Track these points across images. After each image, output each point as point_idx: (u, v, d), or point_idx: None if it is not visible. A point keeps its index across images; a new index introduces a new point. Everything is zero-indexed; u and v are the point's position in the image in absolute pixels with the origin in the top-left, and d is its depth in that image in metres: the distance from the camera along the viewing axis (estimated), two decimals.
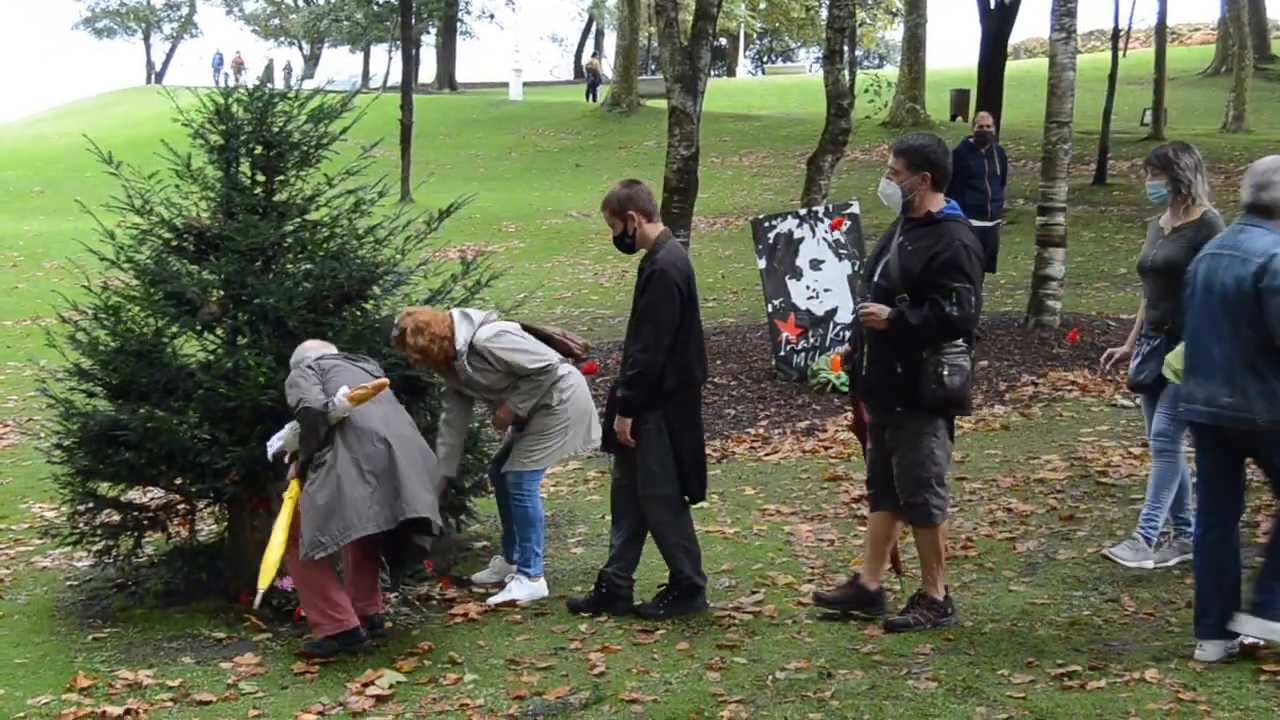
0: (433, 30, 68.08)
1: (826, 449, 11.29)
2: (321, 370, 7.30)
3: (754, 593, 7.83)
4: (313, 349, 7.58)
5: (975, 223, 14.39)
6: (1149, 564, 7.80)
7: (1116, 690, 6.00)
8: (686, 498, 7.59)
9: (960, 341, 6.80)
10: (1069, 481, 9.68)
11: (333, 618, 7.16)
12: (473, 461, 8.75)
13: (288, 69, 71.43)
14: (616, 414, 7.43)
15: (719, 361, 14.63)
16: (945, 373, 6.73)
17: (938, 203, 6.97)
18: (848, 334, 13.36)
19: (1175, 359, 7.17)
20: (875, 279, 7.05)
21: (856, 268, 13.58)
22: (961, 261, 6.72)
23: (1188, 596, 7.22)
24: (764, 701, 6.13)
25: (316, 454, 7.14)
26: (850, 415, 7.56)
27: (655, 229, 7.57)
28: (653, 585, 7.74)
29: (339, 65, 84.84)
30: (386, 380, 7.40)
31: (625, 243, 7.62)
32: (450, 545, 9.00)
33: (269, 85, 8.78)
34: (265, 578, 7.13)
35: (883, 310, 6.82)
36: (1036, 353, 14.03)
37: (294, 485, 7.25)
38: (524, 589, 7.98)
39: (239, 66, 68.99)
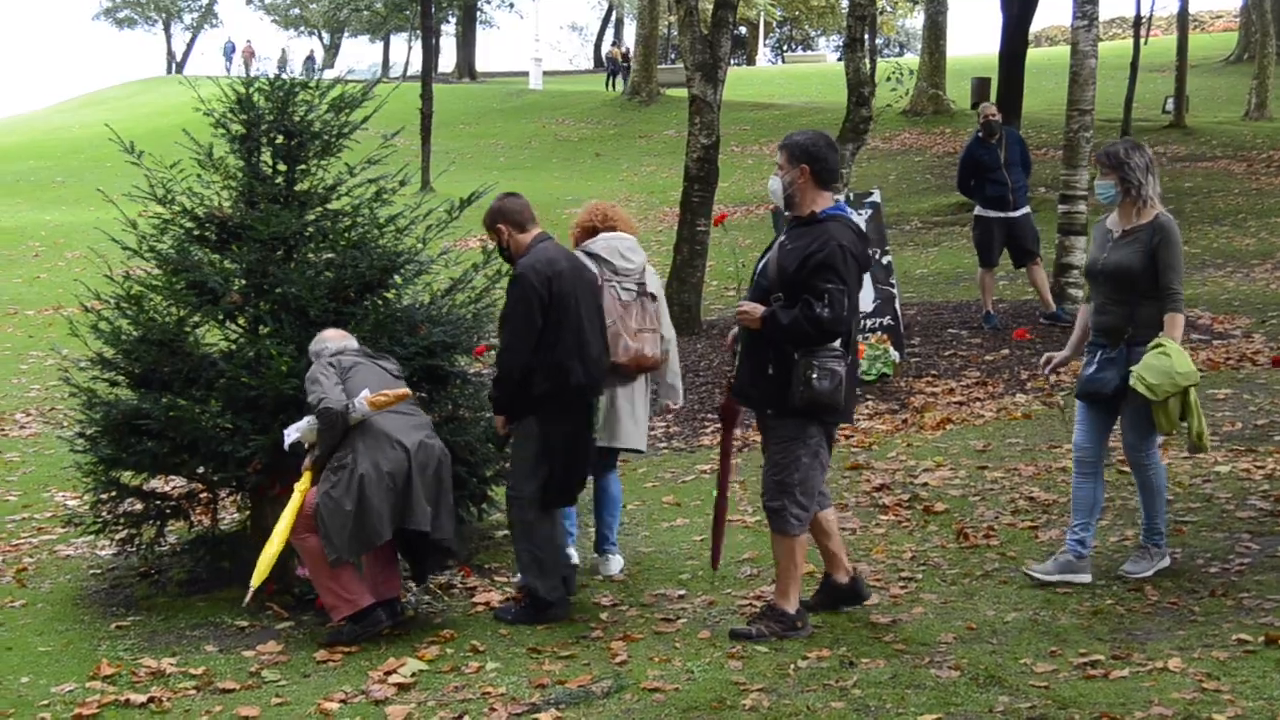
0: (453, 19, 68.12)
1: (847, 438, 11.27)
2: (342, 368, 7.32)
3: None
4: (332, 340, 7.59)
5: (999, 214, 14.49)
6: (1165, 562, 7.56)
7: (1139, 679, 5.98)
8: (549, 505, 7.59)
9: (836, 346, 6.64)
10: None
11: (346, 599, 7.20)
12: (493, 451, 8.74)
13: (310, 59, 71.48)
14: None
15: None
16: (814, 376, 6.55)
17: (823, 201, 6.86)
18: (869, 323, 13.36)
19: (1148, 373, 7.04)
20: (756, 277, 6.95)
21: (878, 256, 13.55)
22: (835, 262, 6.57)
23: (1212, 586, 7.22)
24: (786, 690, 6.12)
25: (335, 454, 7.18)
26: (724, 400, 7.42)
27: (527, 237, 7.61)
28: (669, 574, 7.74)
29: (359, 54, 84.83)
30: (408, 391, 7.43)
31: (504, 253, 7.69)
32: (472, 534, 9.01)
33: (290, 73, 8.81)
34: (260, 573, 7.20)
35: (756, 309, 6.72)
36: (1058, 341, 13.96)
37: (306, 477, 7.33)
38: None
39: (250, 56, 68.88)
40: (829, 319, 6.51)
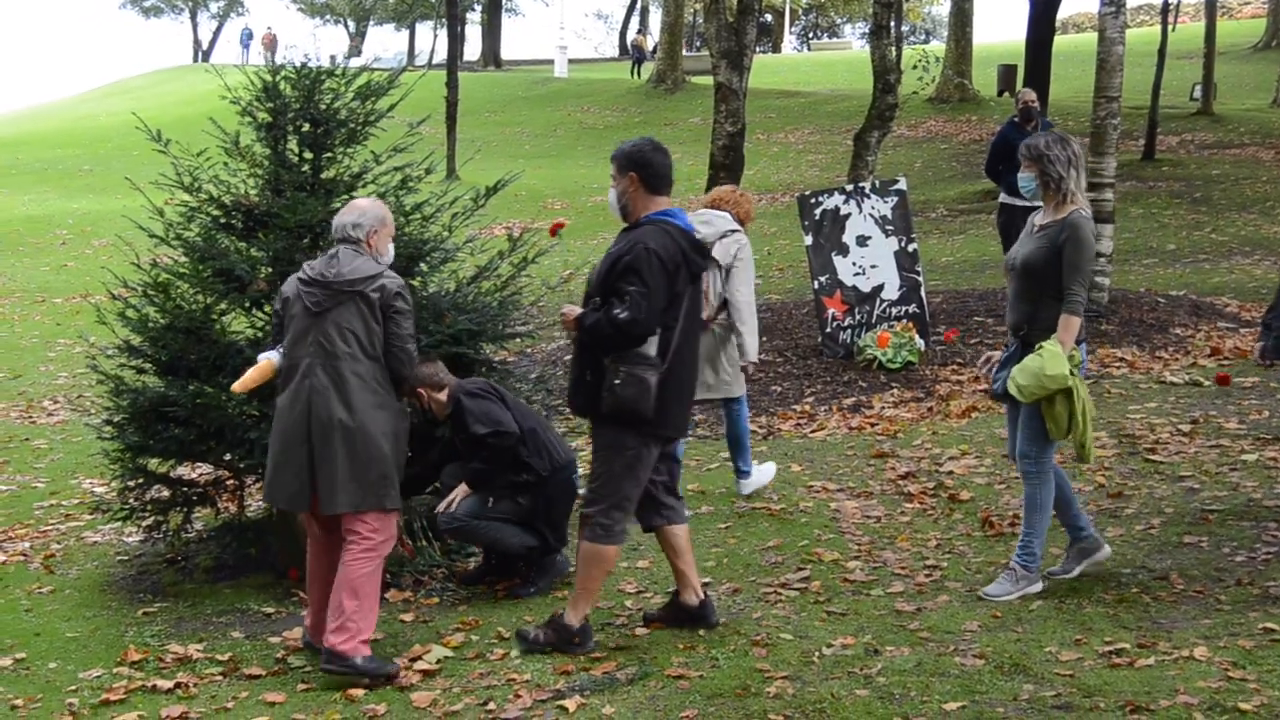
0: (478, 7, 68.13)
1: (873, 426, 11.26)
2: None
3: (800, 569, 7.83)
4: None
5: (1023, 203, 14.42)
6: (1036, 587, 7.26)
7: (1165, 668, 5.97)
8: None
9: (650, 354, 6.48)
10: (1117, 458, 9.63)
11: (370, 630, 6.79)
12: None
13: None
14: None
15: (764, 338, 14.60)
16: (618, 382, 6.41)
17: (653, 205, 6.76)
18: (894, 310, 13.34)
19: (1020, 374, 6.92)
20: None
21: (904, 244, 13.52)
22: (640, 265, 6.46)
23: (1238, 575, 7.20)
24: (810, 678, 6.13)
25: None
26: None
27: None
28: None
29: (384, 43, 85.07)
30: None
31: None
32: None
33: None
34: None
35: (573, 311, 6.69)
36: (1084, 329, 13.92)
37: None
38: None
39: (271, 43, 68.79)
40: (625, 320, 6.38)
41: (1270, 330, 8.07)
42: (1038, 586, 7.20)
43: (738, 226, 9.32)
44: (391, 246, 7.02)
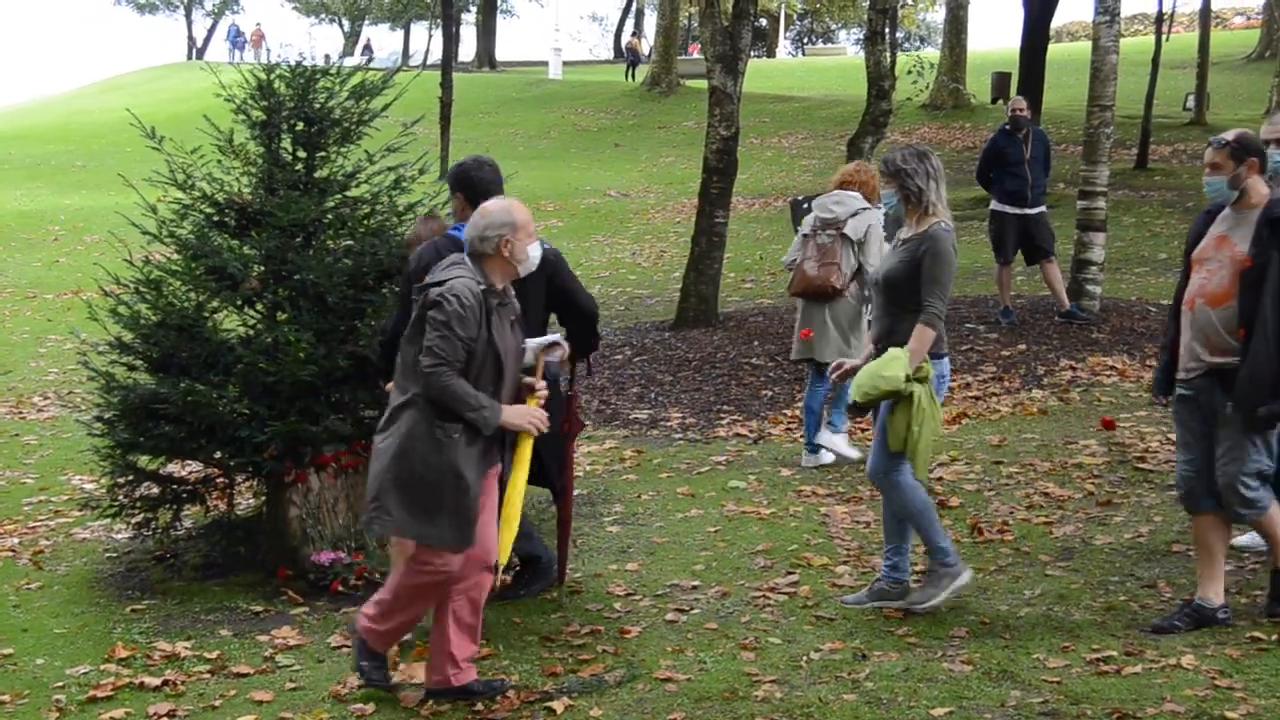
0: (473, 8, 68.09)
1: (863, 430, 11.26)
2: None
3: (789, 573, 7.84)
4: None
5: (1014, 210, 14.46)
6: (965, 578, 7.09)
7: (1152, 675, 5.99)
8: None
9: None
10: (1106, 466, 9.64)
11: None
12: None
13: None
14: None
15: (756, 343, 14.62)
16: None
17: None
18: None
19: (860, 374, 6.94)
20: None
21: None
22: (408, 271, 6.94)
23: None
24: (798, 682, 6.14)
25: None
26: None
27: None
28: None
29: (379, 42, 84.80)
30: None
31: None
32: None
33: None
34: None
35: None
36: (1075, 337, 13.95)
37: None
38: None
39: (259, 40, 68.58)
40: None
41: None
42: (965, 577, 7.11)
43: (868, 205, 10.12)
44: (531, 249, 6.20)
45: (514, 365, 6.12)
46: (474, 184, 7.01)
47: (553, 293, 7.35)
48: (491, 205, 6.17)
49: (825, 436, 10.24)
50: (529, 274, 6.47)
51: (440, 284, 5.89)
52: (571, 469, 7.70)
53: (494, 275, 6.01)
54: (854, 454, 10.15)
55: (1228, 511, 6.56)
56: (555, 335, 6.71)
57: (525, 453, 6.22)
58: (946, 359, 7.28)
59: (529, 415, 6.10)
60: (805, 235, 10.21)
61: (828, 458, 10.22)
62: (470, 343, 5.83)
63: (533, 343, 6.44)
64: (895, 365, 6.80)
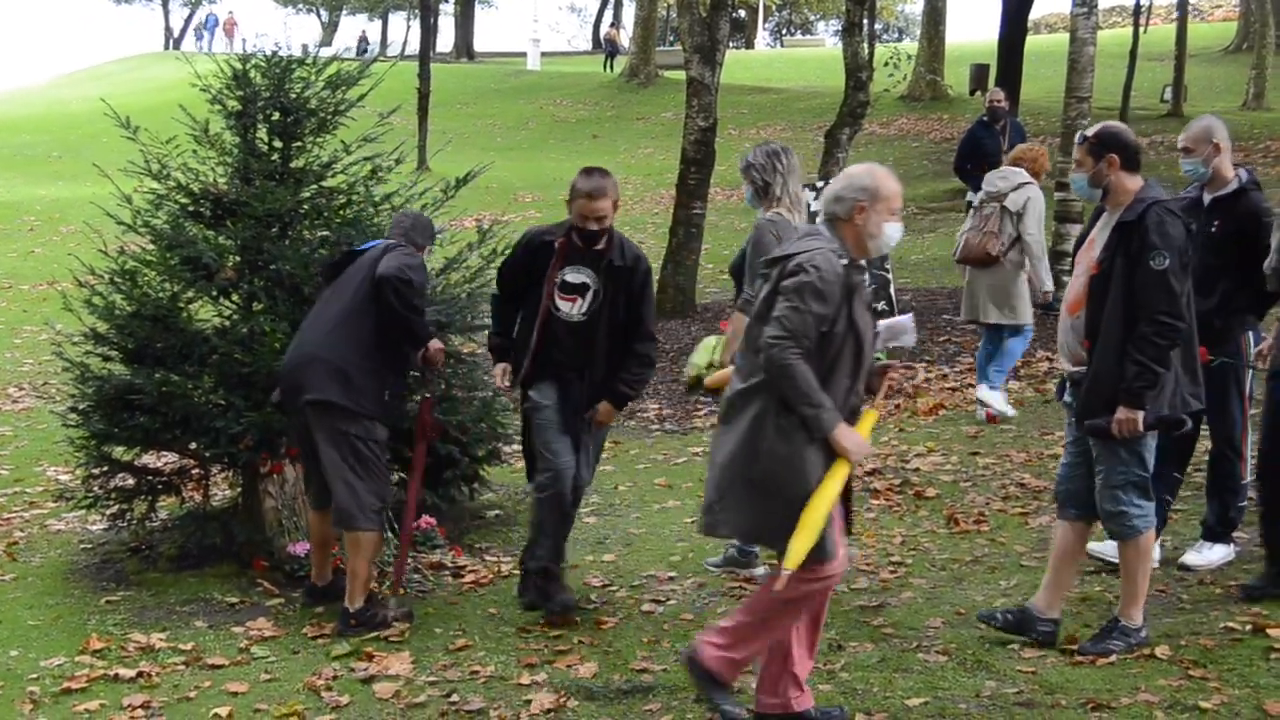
0: None
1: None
2: None
3: (765, 565, 7.84)
4: None
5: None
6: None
7: (1127, 666, 6.00)
8: None
9: None
10: None
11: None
12: (486, 430, 8.76)
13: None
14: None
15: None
16: None
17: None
18: None
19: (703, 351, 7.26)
20: None
21: None
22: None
23: (1200, 574, 7.23)
24: None
25: None
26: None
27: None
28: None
29: (356, 33, 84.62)
30: None
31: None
32: (463, 514, 9.02)
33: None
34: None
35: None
36: (1051, 328, 13.96)
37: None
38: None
39: (232, 28, 68.30)
40: None
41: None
42: (759, 569, 7.60)
43: (1030, 180, 10.91)
44: (889, 226, 5.47)
45: (871, 353, 5.48)
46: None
47: (630, 301, 7.13)
48: (857, 168, 5.58)
49: (983, 391, 11.02)
50: (630, 268, 6.78)
51: (797, 254, 5.29)
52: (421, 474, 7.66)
53: (846, 245, 5.39)
54: (1010, 410, 11.01)
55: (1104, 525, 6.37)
56: (905, 317, 6.13)
57: (842, 471, 5.30)
58: None
59: (862, 448, 5.33)
60: (974, 207, 11.34)
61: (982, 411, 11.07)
62: (825, 321, 5.16)
63: (885, 324, 5.82)
64: (701, 353, 7.20)
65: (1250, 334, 7.32)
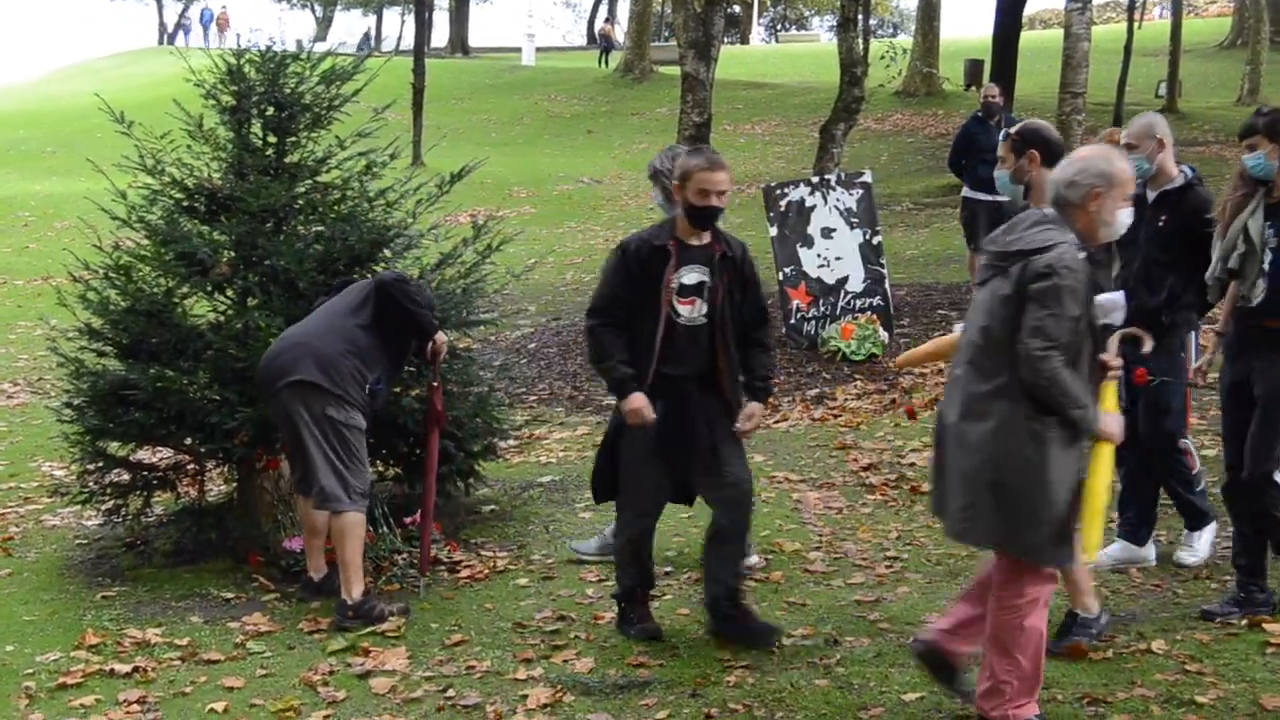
0: None
1: (836, 417, 11.28)
2: None
3: (761, 559, 7.84)
4: None
5: (986, 197, 14.49)
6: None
7: (1123, 660, 6.01)
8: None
9: None
10: None
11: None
12: (481, 426, 8.75)
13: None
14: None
15: None
16: None
17: None
18: (858, 303, 13.38)
19: None
20: None
21: (869, 237, 13.56)
22: None
23: (1195, 568, 7.23)
24: (770, 668, 6.15)
25: None
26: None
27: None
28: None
29: (350, 28, 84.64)
30: None
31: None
32: (458, 509, 9.02)
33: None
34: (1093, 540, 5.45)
35: None
36: None
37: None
38: None
39: (225, 24, 68.16)
40: None
41: None
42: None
43: None
44: (1121, 213, 5.35)
45: (1101, 347, 5.38)
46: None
47: (745, 291, 6.67)
48: (1090, 150, 5.46)
49: None
50: (740, 257, 6.50)
51: (1042, 251, 5.09)
52: (435, 459, 7.70)
53: (1076, 231, 5.23)
54: None
55: None
56: (1116, 295, 5.78)
57: (1107, 454, 5.34)
58: None
59: (1120, 425, 5.32)
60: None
61: None
62: (1079, 320, 5.06)
63: (1103, 299, 5.47)
64: None
65: (1194, 335, 7.37)
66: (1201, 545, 7.38)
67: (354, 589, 7.03)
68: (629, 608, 6.77)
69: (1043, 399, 5.04)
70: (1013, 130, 6.48)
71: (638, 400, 6.39)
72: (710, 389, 6.54)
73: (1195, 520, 7.42)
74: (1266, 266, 6.35)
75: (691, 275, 6.48)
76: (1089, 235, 5.23)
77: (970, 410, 5.24)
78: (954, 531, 5.45)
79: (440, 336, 7.42)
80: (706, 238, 6.53)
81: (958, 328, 5.89)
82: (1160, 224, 7.02)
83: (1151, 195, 7.11)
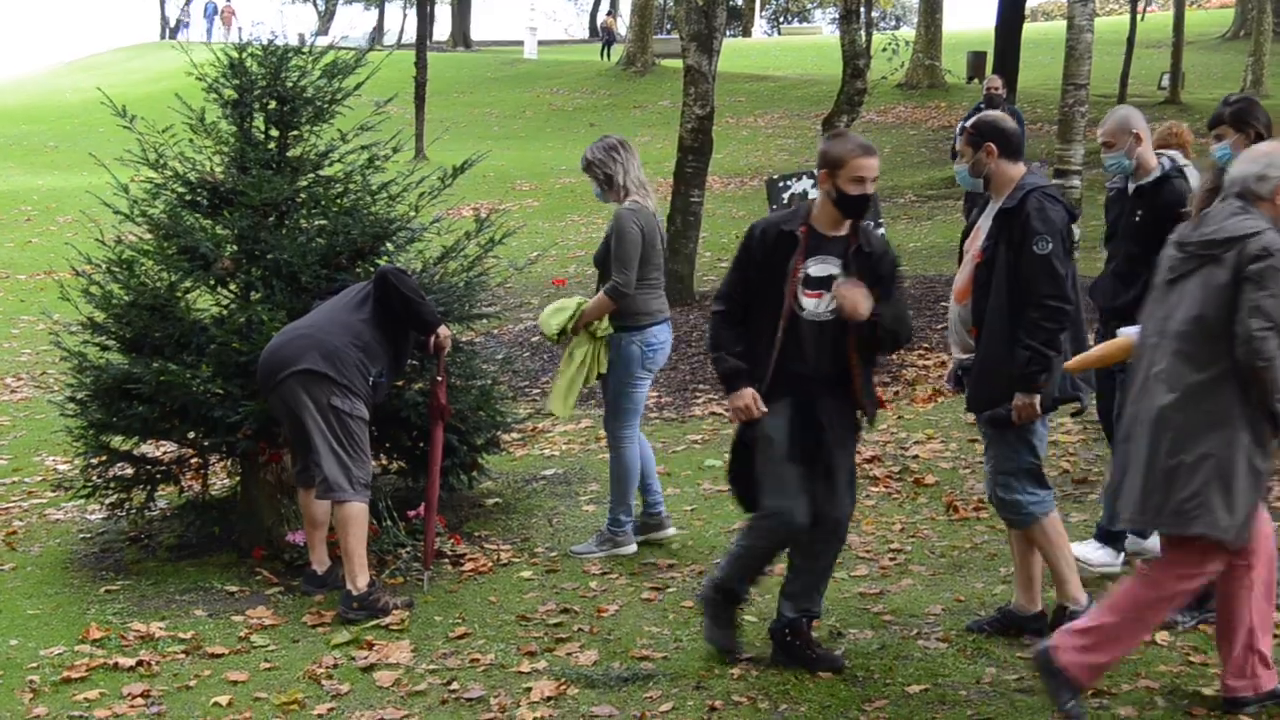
0: None
1: None
2: None
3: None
4: None
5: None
6: (630, 549, 7.99)
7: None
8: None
9: None
10: (1082, 444, 9.67)
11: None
12: (484, 418, 8.75)
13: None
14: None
15: None
16: None
17: None
18: None
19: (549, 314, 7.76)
20: None
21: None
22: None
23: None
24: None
25: None
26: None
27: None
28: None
29: (353, 21, 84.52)
30: None
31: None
32: (462, 501, 9.02)
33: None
34: None
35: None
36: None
37: None
38: None
39: (230, 17, 68.15)
40: None
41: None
42: (630, 548, 7.98)
43: (1185, 162, 10.41)
44: None
45: None
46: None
47: (880, 294, 6.11)
48: (1272, 145, 5.48)
49: None
50: (880, 256, 6.14)
51: (1251, 236, 5.12)
52: (439, 453, 7.69)
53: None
54: None
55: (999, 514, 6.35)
56: None
57: None
58: (659, 328, 7.92)
59: None
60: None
61: None
62: None
63: None
64: (555, 315, 7.68)
65: None
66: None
67: (359, 579, 7.03)
68: (725, 610, 6.31)
69: (1260, 381, 5.06)
70: (968, 124, 6.43)
71: (744, 397, 6.03)
72: (842, 393, 6.16)
73: None
74: None
75: (821, 267, 6.04)
76: (1277, 226, 5.24)
77: (1188, 401, 5.18)
78: (1166, 524, 5.30)
79: (444, 330, 7.43)
80: (845, 229, 6.14)
81: (1124, 331, 5.87)
82: (1136, 218, 7.02)
83: (1131, 189, 7.11)
